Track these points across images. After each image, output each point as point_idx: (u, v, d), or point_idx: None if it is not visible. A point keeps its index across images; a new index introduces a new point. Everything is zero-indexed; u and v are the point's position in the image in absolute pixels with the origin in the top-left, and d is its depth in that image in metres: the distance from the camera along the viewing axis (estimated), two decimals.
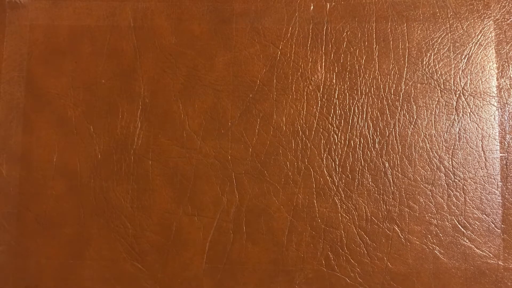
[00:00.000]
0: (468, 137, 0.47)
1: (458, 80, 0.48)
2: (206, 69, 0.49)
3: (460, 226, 0.46)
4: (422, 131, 0.47)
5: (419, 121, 0.47)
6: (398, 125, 0.47)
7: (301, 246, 0.47)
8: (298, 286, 0.46)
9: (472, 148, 0.47)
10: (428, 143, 0.47)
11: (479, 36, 0.48)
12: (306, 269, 0.47)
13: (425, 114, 0.47)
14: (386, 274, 0.46)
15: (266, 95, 0.48)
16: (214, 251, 0.47)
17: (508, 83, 0.47)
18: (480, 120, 0.47)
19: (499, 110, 0.47)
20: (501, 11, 0.48)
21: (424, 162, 0.47)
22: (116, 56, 0.50)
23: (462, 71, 0.48)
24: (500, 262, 0.46)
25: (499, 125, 0.47)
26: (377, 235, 0.46)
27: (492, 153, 0.47)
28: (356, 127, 0.48)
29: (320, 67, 0.48)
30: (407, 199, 0.47)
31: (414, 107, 0.48)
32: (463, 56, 0.48)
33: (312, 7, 0.49)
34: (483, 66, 0.48)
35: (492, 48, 0.48)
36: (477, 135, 0.47)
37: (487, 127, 0.47)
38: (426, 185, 0.47)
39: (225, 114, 0.48)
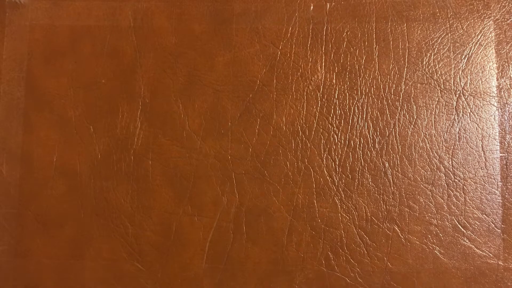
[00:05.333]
0: (468, 137, 0.47)
1: (458, 80, 0.48)
2: (206, 69, 0.49)
3: (460, 226, 0.46)
4: (422, 131, 0.47)
5: (419, 121, 0.47)
6: (398, 125, 0.47)
7: (301, 246, 0.47)
8: (298, 286, 0.46)
9: (472, 148, 0.47)
10: (428, 143, 0.47)
11: (479, 36, 0.48)
12: (306, 269, 0.47)
13: (425, 114, 0.47)
14: (386, 274, 0.46)
15: (266, 95, 0.48)
16: (214, 251, 0.47)
17: (508, 83, 0.47)
18: (480, 120, 0.47)
19: (499, 110, 0.47)
20: (501, 11, 0.48)
21: (424, 162, 0.47)
22: (116, 56, 0.50)
23: (462, 71, 0.48)
24: (500, 262, 0.46)
25: (499, 125, 0.47)
26: (377, 235, 0.46)
27: (492, 153, 0.47)
28: (356, 127, 0.48)
29: (320, 67, 0.48)
30: (407, 199, 0.47)
31: (414, 107, 0.48)
32: (463, 56, 0.48)
33: (312, 7, 0.49)
34: (483, 66, 0.48)
35: (492, 48, 0.48)
36: (477, 135, 0.47)
37: (487, 127, 0.47)
38: (426, 185, 0.47)
39: (225, 114, 0.49)
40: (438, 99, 0.47)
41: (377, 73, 0.48)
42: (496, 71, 0.47)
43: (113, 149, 0.49)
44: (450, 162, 0.47)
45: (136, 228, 0.48)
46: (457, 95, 0.47)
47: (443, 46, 0.48)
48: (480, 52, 0.48)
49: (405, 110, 0.48)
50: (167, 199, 0.48)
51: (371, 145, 0.47)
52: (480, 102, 0.47)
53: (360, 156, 0.47)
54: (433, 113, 0.47)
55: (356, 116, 0.48)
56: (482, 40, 0.48)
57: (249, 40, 0.49)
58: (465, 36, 0.48)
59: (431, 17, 0.48)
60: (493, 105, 0.47)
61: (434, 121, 0.47)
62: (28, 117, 0.50)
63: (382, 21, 0.49)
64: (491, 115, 0.47)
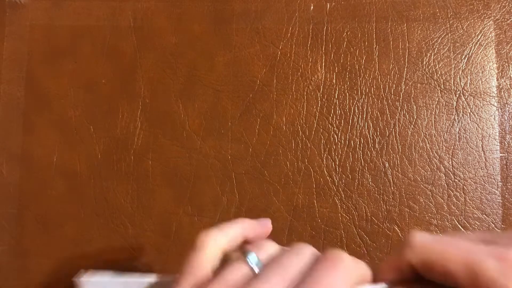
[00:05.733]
0: (468, 137, 0.47)
1: (458, 80, 0.48)
2: (206, 69, 0.49)
3: (460, 226, 0.46)
4: (422, 131, 0.47)
5: (419, 121, 0.47)
6: (398, 125, 0.47)
7: None
8: None
9: (472, 148, 0.47)
10: (428, 143, 0.47)
11: (479, 36, 0.48)
12: None
13: (425, 114, 0.47)
14: None
15: (266, 95, 0.48)
16: None
17: (508, 83, 0.47)
18: (480, 120, 0.47)
19: (499, 110, 0.47)
20: (501, 11, 0.48)
21: (424, 162, 0.47)
22: (116, 56, 0.50)
23: (462, 71, 0.48)
24: None
25: (499, 125, 0.47)
26: (377, 235, 0.46)
27: (492, 153, 0.47)
28: (356, 127, 0.48)
29: (320, 67, 0.48)
30: (407, 199, 0.47)
31: (414, 107, 0.48)
32: (463, 56, 0.48)
33: (312, 7, 0.49)
34: (483, 66, 0.48)
35: (492, 48, 0.48)
36: (477, 135, 0.47)
37: (487, 127, 0.47)
38: (426, 185, 0.47)
39: (225, 114, 0.48)
40: (438, 99, 0.47)
41: (377, 73, 0.48)
42: (496, 71, 0.47)
43: (113, 149, 0.49)
44: (450, 162, 0.47)
45: (136, 228, 0.48)
46: (457, 95, 0.47)
47: (443, 46, 0.48)
48: (480, 52, 0.48)
49: (405, 110, 0.48)
50: (167, 199, 0.48)
51: (371, 145, 0.47)
52: (480, 102, 0.47)
53: (360, 156, 0.47)
54: (433, 113, 0.47)
55: (356, 116, 0.48)
56: (482, 40, 0.48)
57: (249, 40, 0.49)
58: (465, 36, 0.48)
59: (431, 17, 0.48)
60: (493, 105, 0.47)
61: (434, 121, 0.47)
62: (28, 117, 0.50)
63: (382, 21, 0.49)
64: (491, 115, 0.47)
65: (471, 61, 0.48)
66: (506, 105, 0.47)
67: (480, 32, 0.48)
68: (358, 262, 0.28)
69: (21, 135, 0.49)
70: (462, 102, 0.47)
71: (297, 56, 0.49)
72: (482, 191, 0.46)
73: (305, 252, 0.28)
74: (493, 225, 0.46)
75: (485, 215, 0.46)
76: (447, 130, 0.47)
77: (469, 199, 0.46)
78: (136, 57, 0.50)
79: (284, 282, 0.26)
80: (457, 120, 0.47)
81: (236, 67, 0.49)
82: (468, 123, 0.47)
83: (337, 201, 0.47)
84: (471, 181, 0.46)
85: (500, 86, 0.47)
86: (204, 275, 0.28)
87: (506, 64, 0.47)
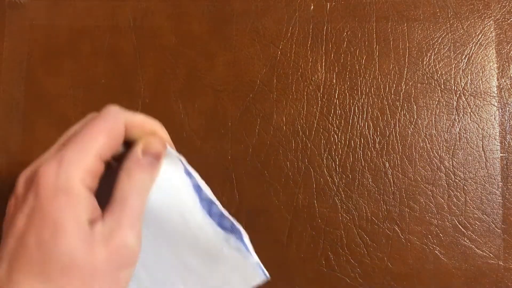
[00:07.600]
0: (468, 137, 0.47)
1: (459, 80, 0.47)
2: (206, 69, 0.49)
3: (460, 226, 0.46)
4: (423, 131, 0.47)
5: (419, 121, 0.47)
6: (399, 125, 0.47)
7: (301, 246, 0.47)
8: (298, 286, 0.46)
9: (473, 148, 0.47)
10: (429, 143, 0.47)
11: (480, 36, 0.48)
12: (306, 269, 0.47)
13: (425, 114, 0.47)
14: (387, 274, 0.46)
15: (266, 95, 0.48)
16: None
17: (508, 83, 0.47)
18: (480, 120, 0.47)
19: (500, 110, 0.47)
20: (502, 11, 0.48)
21: (424, 162, 0.47)
22: (116, 56, 0.50)
23: (462, 71, 0.48)
24: (500, 262, 0.45)
25: (499, 125, 0.47)
26: (377, 235, 0.46)
27: (493, 153, 0.47)
28: (357, 127, 0.48)
29: (320, 67, 0.48)
30: (407, 199, 0.47)
31: (415, 107, 0.47)
32: (464, 56, 0.48)
33: (312, 7, 0.49)
34: (484, 66, 0.48)
35: (492, 48, 0.48)
36: (478, 135, 0.47)
37: (487, 127, 0.47)
38: (427, 185, 0.47)
39: (225, 114, 0.48)
40: (439, 99, 0.47)
41: (378, 73, 0.48)
42: (497, 71, 0.47)
43: None
44: (451, 162, 0.47)
45: None
46: (457, 95, 0.47)
47: (443, 46, 0.48)
48: (481, 52, 0.48)
49: (406, 110, 0.47)
50: None
51: (372, 145, 0.47)
52: (480, 102, 0.47)
53: (360, 156, 0.47)
54: (434, 113, 0.47)
55: (356, 116, 0.48)
56: (482, 40, 0.48)
57: (249, 40, 0.49)
58: (465, 36, 0.48)
59: (432, 17, 0.48)
60: (493, 105, 0.47)
61: (435, 121, 0.47)
62: (28, 117, 0.50)
63: (383, 20, 0.48)
64: (492, 115, 0.47)
65: (471, 61, 0.48)
66: (507, 105, 0.47)
67: (481, 32, 0.48)
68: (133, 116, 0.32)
69: (21, 135, 0.49)
70: (463, 102, 0.47)
71: (297, 56, 0.49)
72: (482, 191, 0.46)
73: (88, 117, 0.33)
74: (493, 225, 0.46)
75: (486, 215, 0.46)
76: (447, 130, 0.47)
77: (469, 199, 0.46)
78: (136, 57, 0.50)
79: (57, 147, 0.32)
80: (457, 120, 0.47)
81: (236, 67, 0.49)
82: (468, 123, 0.47)
83: (337, 201, 0.47)
84: (472, 181, 0.46)
85: (501, 86, 0.47)
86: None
87: (507, 64, 0.47)
